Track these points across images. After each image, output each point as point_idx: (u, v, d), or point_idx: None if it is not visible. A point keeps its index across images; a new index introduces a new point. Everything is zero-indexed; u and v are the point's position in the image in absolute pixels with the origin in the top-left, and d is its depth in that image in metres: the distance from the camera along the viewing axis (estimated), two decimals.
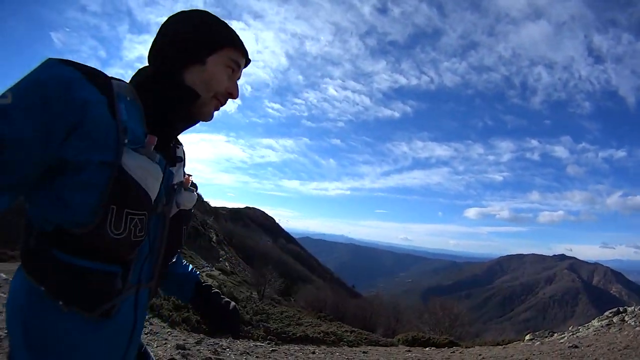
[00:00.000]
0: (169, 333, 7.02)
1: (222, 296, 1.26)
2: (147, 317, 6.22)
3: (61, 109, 0.72)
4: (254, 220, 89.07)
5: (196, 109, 0.95)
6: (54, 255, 0.78)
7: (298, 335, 10.70)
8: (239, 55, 0.98)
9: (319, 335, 10.98)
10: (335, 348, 10.03)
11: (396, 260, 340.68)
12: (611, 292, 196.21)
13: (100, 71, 0.83)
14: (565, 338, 8.38)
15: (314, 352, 8.57)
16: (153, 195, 0.85)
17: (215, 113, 1.01)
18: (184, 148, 1.11)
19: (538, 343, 8.85)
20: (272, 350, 7.82)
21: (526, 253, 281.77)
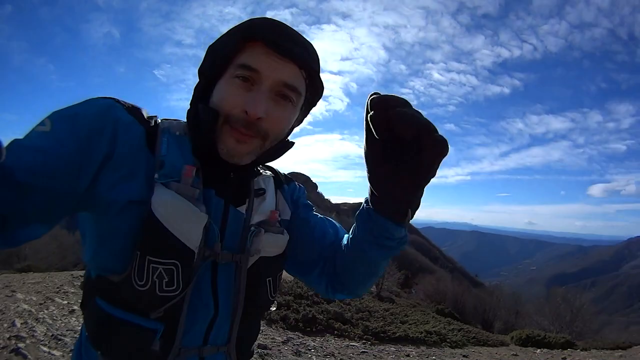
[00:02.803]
0: (261, 332, 7.50)
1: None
2: None
3: (95, 138, 0.68)
4: None
5: (217, 140, 0.76)
6: (96, 303, 0.73)
7: (398, 334, 10.56)
8: (253, 55, 0.73)
9: (420, 335, 10.67)
10: (435, 349, 9.65)
11: (520, 246, 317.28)
12: None
13: (141, 108, 0.77)
14: None
15: (408, 355, 8.43)
16: (188, 239, 0.70)
17: (237, 145, 0.75)
18: (274, 176, 0.96)
19: None
20: (363, 352, 7.93)
21: None
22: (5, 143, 0.59)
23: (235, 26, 0.77)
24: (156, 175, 0.71)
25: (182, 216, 0.69)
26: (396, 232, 0.74)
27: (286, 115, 0.79)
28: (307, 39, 0.79)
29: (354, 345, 8.58)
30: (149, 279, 0.67)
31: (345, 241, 0.89)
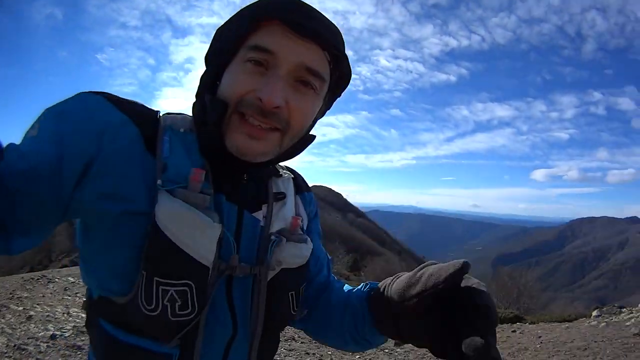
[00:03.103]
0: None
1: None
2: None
3: (77, 141, 0.59)
4: (322, 199, 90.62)
5: (224, 134, 0.67)
6: (100, 325, 0.66)
7: None
8: (268, 36, 0.63)
9: None
10: None
11: (466, 228, 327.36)
12: None
13: (139, 103, 0.69)
14: (632, 320, 7.86)
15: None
16: (201, 255, 0.61)
17: (254, 143, 0.65)
18: (294, 177, 0.87)
19: (603, 324, 8.35)
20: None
21: (597, 216, 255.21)
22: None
23: (246, 6, 0.68)
24: (159, 181, 0.61)
25: (193, 229, 0.60)
26: (380, 341, 0.80)
27: (308, 104, 0.68)
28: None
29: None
30: (159, 303, 0.59)
31: (332, 297, 0.86)
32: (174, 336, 0.62)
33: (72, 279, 7.04)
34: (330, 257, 0.97)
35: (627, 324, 7.84)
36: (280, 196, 0.78)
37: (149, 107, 0.71)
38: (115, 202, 0.61)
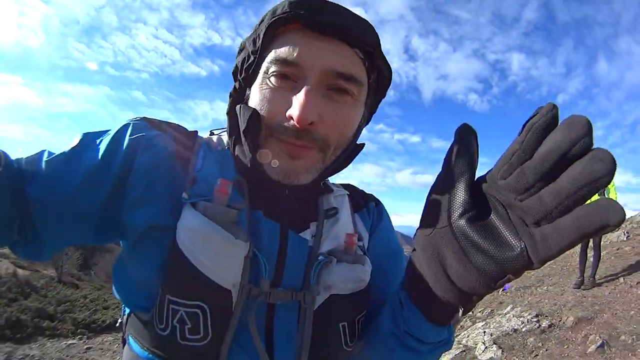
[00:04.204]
0: None
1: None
2: None
3: (114, 153, 0.59)
4: None
5: (261, 158, 0.61)
6: (127, 341, 0.62)
7: (108, 322, 10.65)
8: (288, 44, 0.57)
9: None
10: None
11: None
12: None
13: (178, 125, 0.68)
14: None
15: None
16: (220, 275, 0.53)
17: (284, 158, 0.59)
18: (350, 193, 0.77)
19: None
20: (88, 348, 8.01)
21: None
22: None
23: (269, 10, 0.60)
24: (184, 195, 0.56)
25: (209, 245, 0.53)
26: (431, 334, 0.56)
27: (347, 114, 0.61)
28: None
29: (74, 344, 8.42)
30: (169, 323, 0.53)
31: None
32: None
33: None
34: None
35: None
36: (332, 212, 0.68)
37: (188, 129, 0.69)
38: (142, 214, 0.57)
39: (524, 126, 0.40)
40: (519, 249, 0.39)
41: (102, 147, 0.60)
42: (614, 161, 0.34)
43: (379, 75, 0.66)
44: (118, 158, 0.59)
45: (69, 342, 8.51)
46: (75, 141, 0.61)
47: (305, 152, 0.59)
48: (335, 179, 0.77)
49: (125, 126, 0.62)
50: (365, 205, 0.79)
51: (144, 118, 0.65)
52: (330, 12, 0.57)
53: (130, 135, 0.61)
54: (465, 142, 0.46)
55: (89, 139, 0.61)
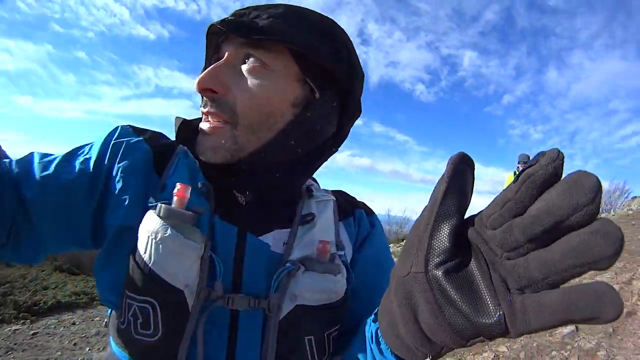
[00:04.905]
0: None
1: None
2: None
3: (103, 157, 0.62)
4: None
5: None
6: (110, 341, 0.62)
7: (50, 303, 10.16)
8: (210, 36, 0.63)
9: (71, 299, 9.72)
10: (92, 310, 10.34)
11: None
12: None
13: (162, 134, 0.70)
14: None
15: (74, 323, 8.86)
16: (172, 275, 0.53)
17: (210, 130, 0.60)
18: (337, 199, 0.74)
19: None
20: (34, 333, 8.24)
21: None
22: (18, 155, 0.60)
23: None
24: (150, 199, 0.58)
25: (162, 245, 0.53)
26: None
27: (256, 82, 0.58)
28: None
29: (18, 329, 8.59)
30: (125, 317, 0.55)
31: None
32: (143, 358, 0.55)
33: None
34: None
35: None
36: (309, 218, 0.65)
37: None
38: (115, 216, 0.59)
39: (522, 171, 0.32)
40: (495, 318, 0.32)
41: (94, 151, 0.63)
42: (622, 240, 0.27)
43: (323, 68, 0.60)
44: (105, 161, 0.62)
45: (14, 327, 8.48)
46: (63, 152, 0.64)
47: (213, 129, 0.59)
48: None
49: (113, 131, 0.65)
50: (352, 213, 0.75)
51: (129, 125, 0.68)
52: (245, 9, 0.60)
53: (114, 140, 0.64)
54: (459, 177, 0.36)
55: (81, 146, 0.65)
